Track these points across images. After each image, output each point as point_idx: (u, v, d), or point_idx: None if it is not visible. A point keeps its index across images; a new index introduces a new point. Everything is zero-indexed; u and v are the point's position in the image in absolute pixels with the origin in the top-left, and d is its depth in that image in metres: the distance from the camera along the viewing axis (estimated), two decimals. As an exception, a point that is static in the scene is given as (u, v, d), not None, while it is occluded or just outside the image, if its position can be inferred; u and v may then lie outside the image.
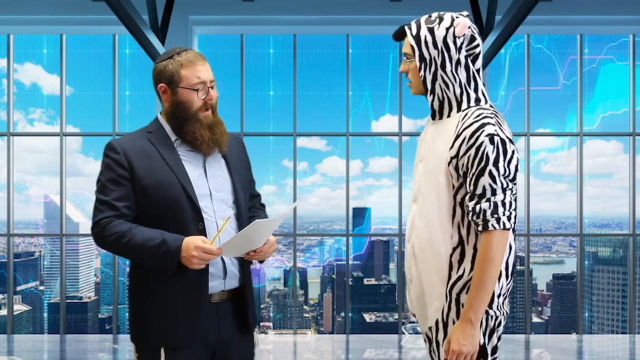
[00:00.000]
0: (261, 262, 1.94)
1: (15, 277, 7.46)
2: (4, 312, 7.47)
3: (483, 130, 1.66)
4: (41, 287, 8.44)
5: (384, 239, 8.84)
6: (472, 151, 1.66)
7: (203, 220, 1.80)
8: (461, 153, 1.68)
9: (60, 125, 7.04)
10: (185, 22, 6.45)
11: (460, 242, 1.73)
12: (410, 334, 7.54)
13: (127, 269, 8.48)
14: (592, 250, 8.05)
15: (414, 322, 8.24)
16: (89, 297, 8.63)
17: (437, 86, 1.77)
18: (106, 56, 7.09)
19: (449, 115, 1.78)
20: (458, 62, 1.74)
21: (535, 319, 8.71)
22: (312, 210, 7.94)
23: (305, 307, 9.20)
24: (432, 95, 1.78)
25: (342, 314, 8.09)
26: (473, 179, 1.66)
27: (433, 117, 1.83)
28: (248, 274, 1.94)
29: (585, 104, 7.19)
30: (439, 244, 1.74)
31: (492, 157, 1.64)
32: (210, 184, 1.86)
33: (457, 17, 1.75)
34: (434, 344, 1.80)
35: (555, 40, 7.50)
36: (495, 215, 1.64)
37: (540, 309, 8.99)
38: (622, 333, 7.83)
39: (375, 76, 7.60)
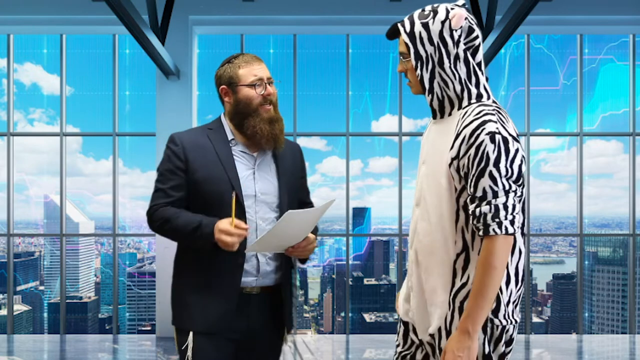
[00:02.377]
0: (303, 262, 2.01)
1: (15, 277, 7.45)
2: (4, 312, 7.47)
3: (483, 128, 1.53)
4: (41, 287, 8.44)
5: (384, 239, 8.83)
6: (472, 151, 1.54)
7: (246, 219, 1.88)
8: (461, 153, 1.56)
9: (60, 125, 7.04)
10: (185, 22, 6.44)
11: (465, 248, 1.62)
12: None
13: (128, 270, 8.47)
14: (592, 250, 8.05)
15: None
16: (89, 297, 8.63)
17: (435, 85, 1.65)
18: (106, 56, 7.08)
19: (450, 114, 1.67)
20: (457, 57, 1.62)
21: (535, 319, 8.70)
22: (312, 210, 7.92)
23: (305, 307, 9.20)
24: (430, 95, 1.67)
25: (342, 314, 8.08)
26: (473, 181, 1.54)
27: (434, 117, 1.72)
28: (286, 275, 1.99)
29: (585, 104, 7.19)
30: (442, 250, 1.63)
31: (492, 157, 1.51)
32: (257, 185, 1.93)
33: (452, 9, 1.63)
34: (437, 351, 1.69)
35: (555, 40, 7.49)
36: (497, 219, 1.52)
37: (540, 309, 8.99)
38: (622, 333, 7.82)
39: (375, 76, 7.60)
